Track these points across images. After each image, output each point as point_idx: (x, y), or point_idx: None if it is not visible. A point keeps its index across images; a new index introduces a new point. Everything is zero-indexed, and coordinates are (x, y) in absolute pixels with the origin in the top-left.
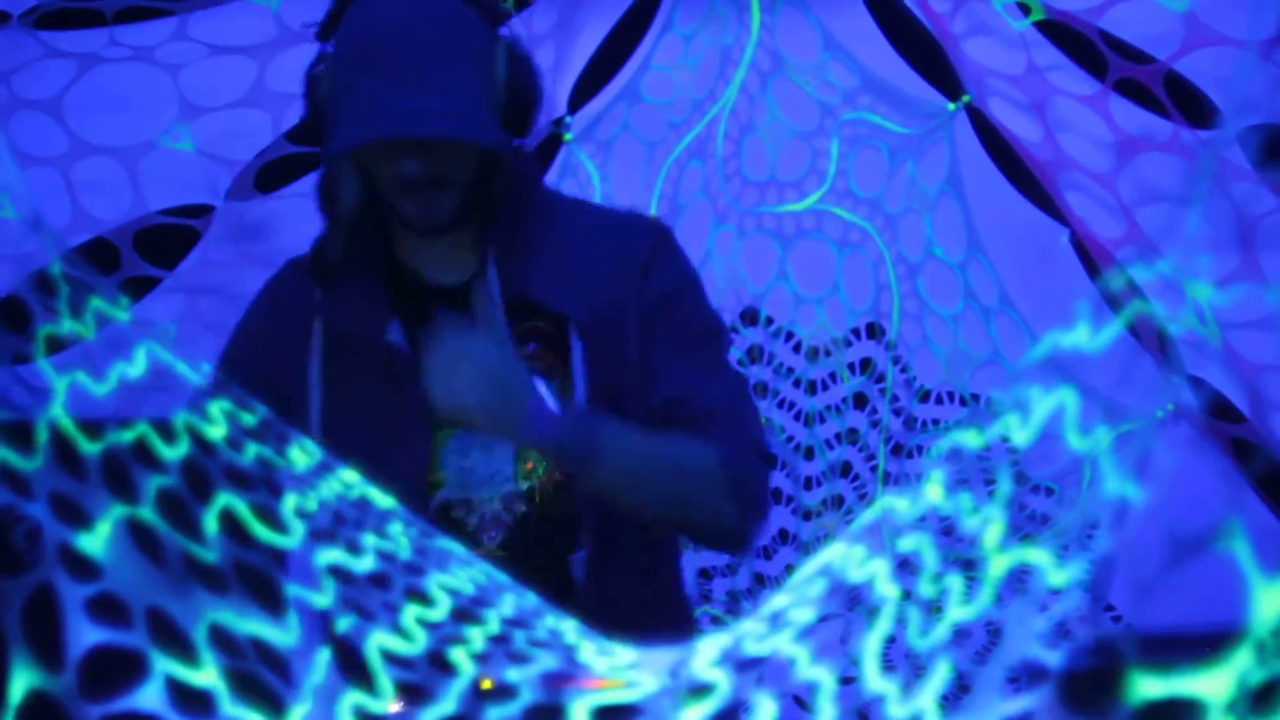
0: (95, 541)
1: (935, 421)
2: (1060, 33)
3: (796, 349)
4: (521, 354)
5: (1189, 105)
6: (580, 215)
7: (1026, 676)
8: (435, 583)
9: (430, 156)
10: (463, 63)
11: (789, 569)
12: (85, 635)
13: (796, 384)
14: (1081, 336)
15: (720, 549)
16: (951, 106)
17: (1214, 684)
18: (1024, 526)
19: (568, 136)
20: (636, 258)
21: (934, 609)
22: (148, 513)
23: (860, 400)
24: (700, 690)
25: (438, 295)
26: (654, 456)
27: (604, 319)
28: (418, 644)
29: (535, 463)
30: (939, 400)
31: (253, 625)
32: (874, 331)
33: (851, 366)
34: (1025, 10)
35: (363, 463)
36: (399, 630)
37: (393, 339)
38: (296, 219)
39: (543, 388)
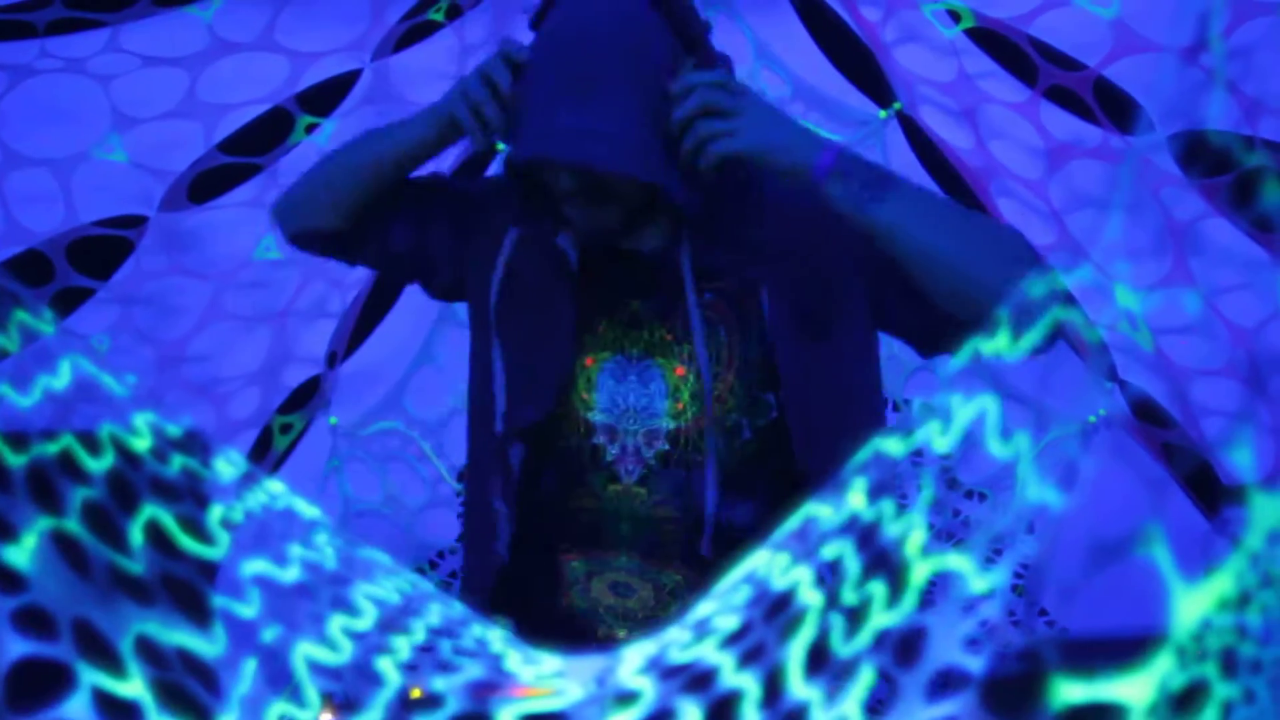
0: (21, 554)
1: None
2: (990, 40)
3: None
4: (701, 301)
5: (1119, 111)
6: (777, 201)
7: (950, 682)
8: (361, 593)
9: (584, 176)
10: (632, 82)
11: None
12: (11, 647)
13: None
14: (1002, 344)
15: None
16: (883, 114)
17: (1135, 688)
18: (957, 532)
19: (500, 147)
20: (830, 236)
21: (858, 615)
22: (73, 525)
23: None
24: (626, 698)
25: (626, 257)
26: (944, 204)
27: (798, 292)
28: (344, 654)
29: (686, 404)
30: None
31: (179, 636)
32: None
33: None
34: (956, 18)
35: (514, 351)
36: (325, 640)
37: (561, 242)
38: (231, 229)
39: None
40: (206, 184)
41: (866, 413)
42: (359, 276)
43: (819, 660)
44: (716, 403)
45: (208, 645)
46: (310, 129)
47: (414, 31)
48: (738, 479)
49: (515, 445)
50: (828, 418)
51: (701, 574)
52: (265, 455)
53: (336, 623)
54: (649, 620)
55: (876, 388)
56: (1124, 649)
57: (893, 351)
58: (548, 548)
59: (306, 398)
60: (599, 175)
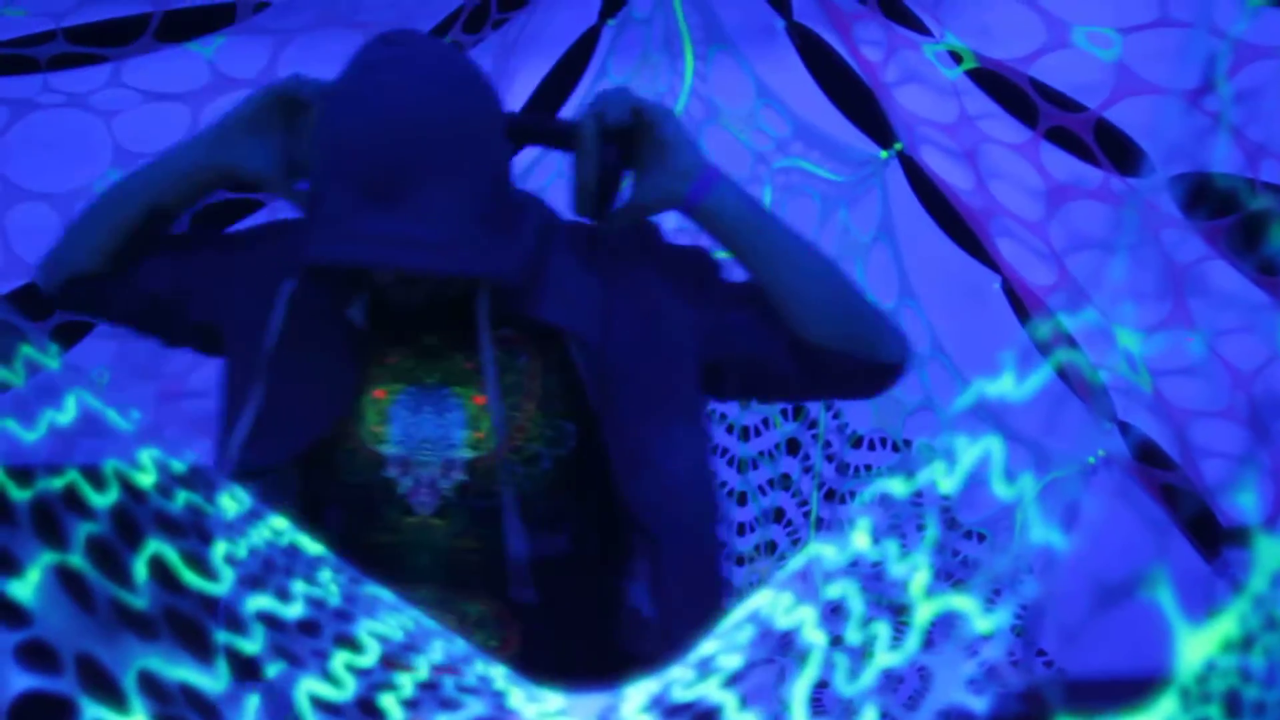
0: (25, 588)
1: (867, 467)
2: (992, 81)
3: None
4: (494, 335)
5: (1119, 153)
6: (575, 238)
7: None
8: (365, 629)
9: (401, 276)
10: (458, 174)
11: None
12: (14, 682)
13: (729, 430)
14: (1007, 385)
15: (870, 379)
16: (884, 154)
17: None
18: (956, 572)
19: None
20: (626, 258)
21: (863, 655)
22: (77, 559)
23: (793, 446)
24: None
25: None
26: (813, 246)
27: (597, 336)
28: (347, 690)
29: (486, 434)
30: (871, 446)
31: (182, 671)
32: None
33: (784, 412)
34: (957, 59)
35: (284, 403)
36: (328, 677)
37: (352, 314)
38: None
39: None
40: (208, 219)
41: (703, 468)
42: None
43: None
44: (517, 432)
45: (211, 681)
46: None
47: None
48: (540, 511)
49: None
50: (661, 469)
51: (506, 604)
52: None
53: (340, 659)
54: None
55: (705, 438)
56: (1128, 690)
57: (892, 393)
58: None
59: None
60: (407, 273)
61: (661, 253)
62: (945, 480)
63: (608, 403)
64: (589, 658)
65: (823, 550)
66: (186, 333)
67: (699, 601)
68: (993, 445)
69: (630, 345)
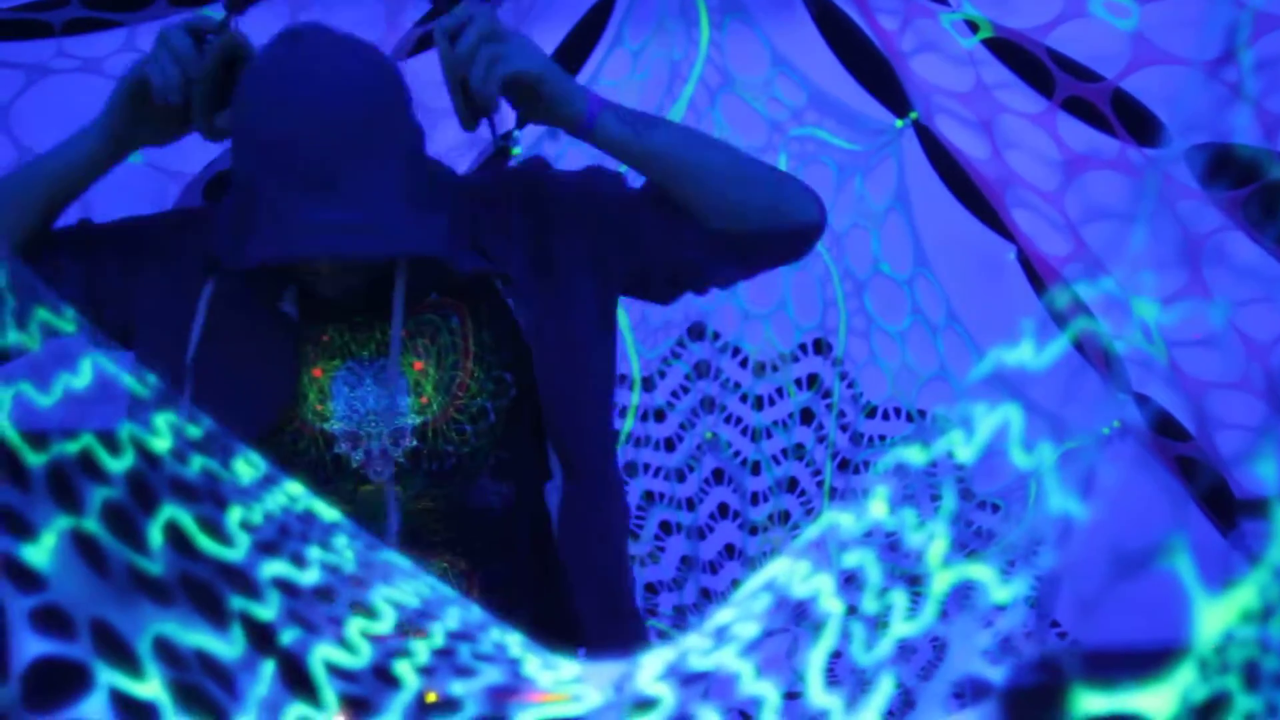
0: (40, 553)
1: (882, 437)
2: (1008, 51)
3: (743, 364)
4: (423, 304)
5: (1136, 124)
6: (467, 183)
7: (971, 692)
8: (380, 596)
9: (339, 263)
10: (387, 158)
11: (735, 584)
12: (29, 647)
13: (743, 399)
14: (1026, 354)
15: (785, 245)
16: (899, 123)
17: (1157, 700)
18: (970, 542)
19: (516, 151)
20: (517, 207)
21: (879, 624)
22: (92, 524)
23: (807, 416)
24: (645, 704)
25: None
26: (702, 139)
27: (526, 268)
28: (362, 657)
29: (430, 397)
30: (885, 416)
31: (197, 637)
32: (821, 347)
33: (798, 382)
34: (974, 28)
35: (224, 398)
36: (343, 643)
37: (285, 308)
38: None
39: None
40: (222, 184)
41: (604, 380)
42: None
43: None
44: (459, 391)
45: (226, 647)
46: None
47: (429, 37)
48: (491, 463)
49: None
50: (572, 388)
51: (465, 558)
52: None
53: (355, 625)
54: None
55: (610, 356)
56: (1145, 661)
57: (906, 362)
58: None
59: None
60: (346, 262)
61: (553, 191)
62: (962, 449)
63: (538, 342)
64: (537, 608)
65: (840, 518)
66: (107, 331)
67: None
68: (1011, 414)
69: (534, 297)
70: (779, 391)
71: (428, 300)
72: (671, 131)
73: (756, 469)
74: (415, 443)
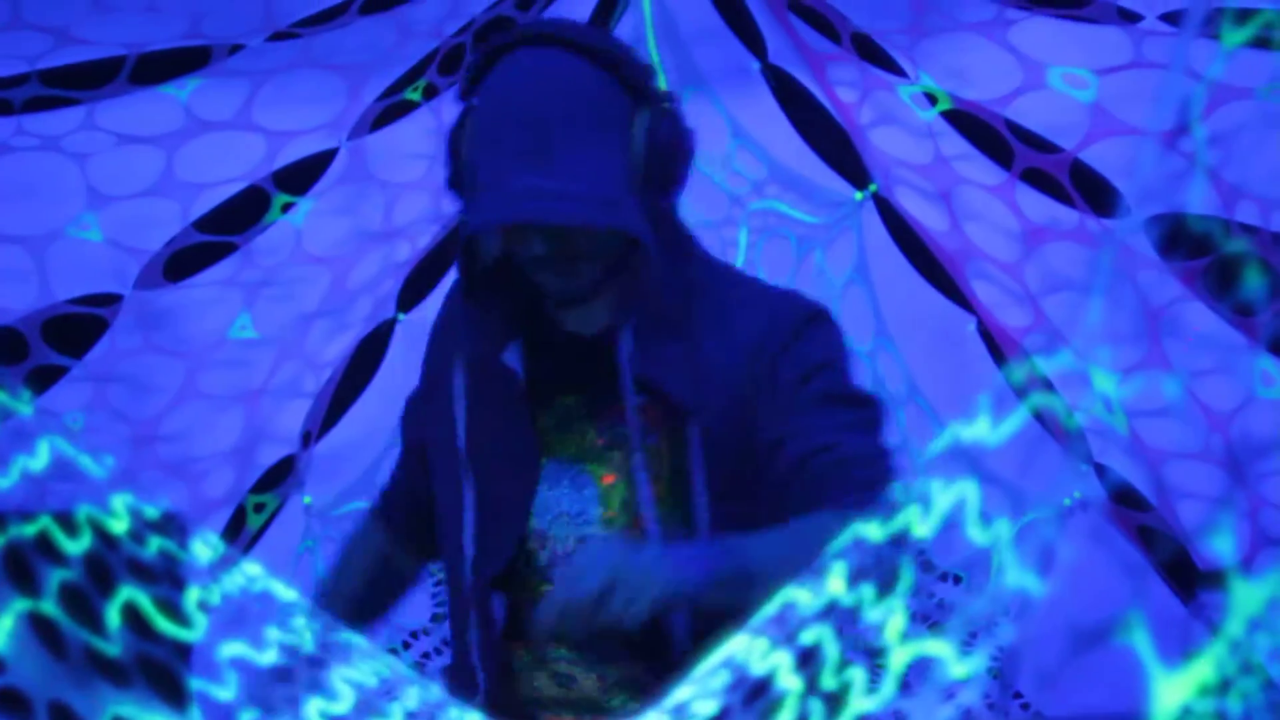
0: None
1: None
2: (967, 123)
3: None
4: (625, 408)
5: (1095, 194)
6: (729, 291)
7: None
8: (339, 676)
9: (557, 238)
10: (591, 139)
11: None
12: None
13: None
14: (983, 429)
15: None
16: (859, 196)
17: None
18: (932, 614)
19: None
20: (771, 346)
21: (838, 700)
22: (50, 606)
23: None
24: None
25: (567, 340)
26: (799, 556)
27: (725, 414)
28: None
29: (617, 513)
30: None
31: (155, 718)
32: None
33: None
34: (932, 100)
35: (483, 495)
36: None
37: (507, 360)
38: (206, 308)
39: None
40: (182, 262)
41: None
42: (333, 357)
43: None
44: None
45: None
46: (286, 208)
47: (391, 111)
48: None
49: (495, 595)
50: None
51: (643, 667)
52: (239, 534)
53: (314, 706)
54: (594, 709)
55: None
56: None
57: None
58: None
59: (280, 477)
60: (571, 237)
61: (790, 372)
62: (920, 525)
63: (712, 493)
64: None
65: (797, 595)
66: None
67: None
68: (967, 490)
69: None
70: None
71: (638, 404)
72: (765, 588)
73: None
74: None
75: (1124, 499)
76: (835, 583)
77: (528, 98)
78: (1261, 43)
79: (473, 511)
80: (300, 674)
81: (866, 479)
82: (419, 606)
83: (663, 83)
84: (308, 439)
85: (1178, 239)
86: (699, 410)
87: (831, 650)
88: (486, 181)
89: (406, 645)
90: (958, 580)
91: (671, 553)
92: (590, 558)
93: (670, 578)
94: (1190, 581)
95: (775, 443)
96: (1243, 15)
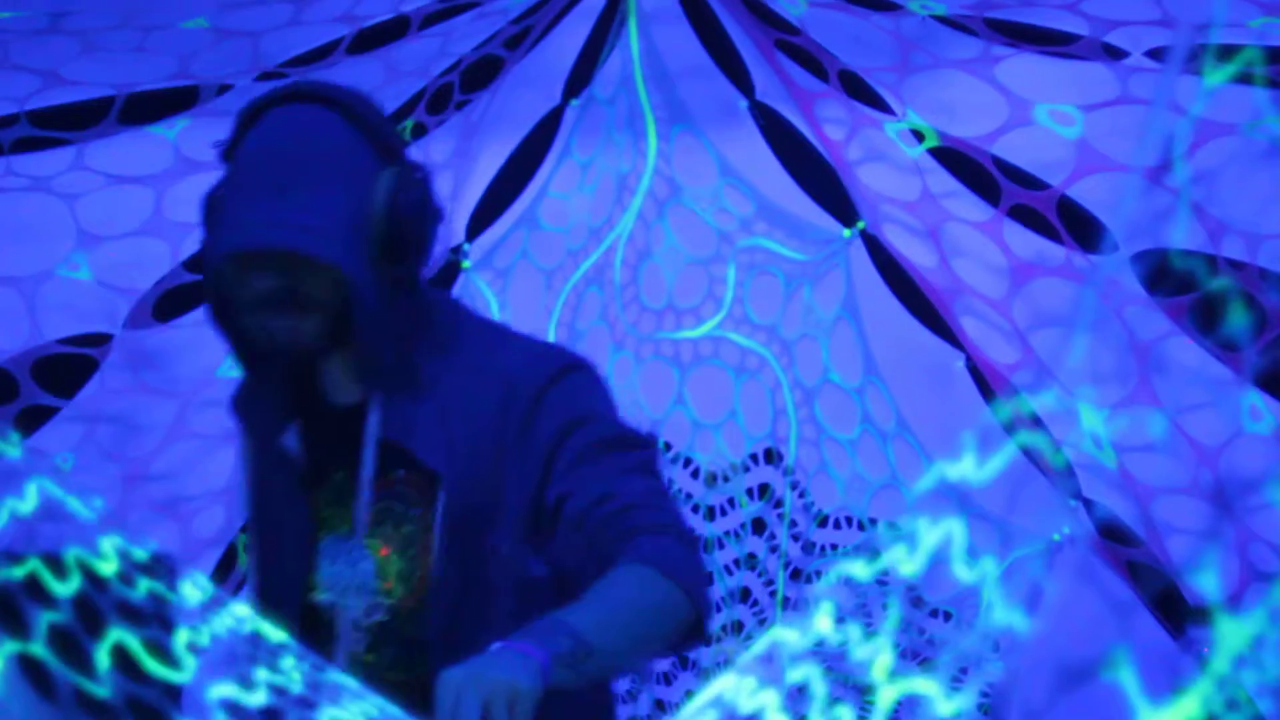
0: None
1: (834, 546)
2: (954, 159)
3: (695, 475)
4: (391, 478)
5: (1082, 230)
6: (485, 351)
7: None
8: (327, 717)
9: (286, 274)
10: (329, 183)
11: (688, 694)
12: None
13: (695, 510)
14: (968, 467)
15: (687, 650)
16: (847, 233)
17: None
18: (922, 650)
19: (465, 264)
20: (519, 406)
21: None
22: (39, 648)
23: (759, 526)
24: None
25: (332, 413)
26: (622, 619)
27: (475, 476)
28: None
29: (394, 582)
30: (837, 525)
31: None
32: (771, 457)
33: (750, 492)
34: (919, 137)
35: (264, 565)
36: None
37: (286, 444)
38: (195, 348)
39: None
40: (172, 302)
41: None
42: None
43: None
44: (419, 584)
45: None
46: None
47: None
48: (460, 643)
49: None
50: (469, 614)
51: None
52: (230, 574)
53: None
54: None
55: (523, 579)
56: None
57: (857, 471)
58: None
59: None
60: (298, 272)
61: (546, 421)
62: (907, 563)
63: (447, 551)
64: None
65: (785, 634)
66: None
67: None
68: (954, 528)
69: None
70: (730, 502)
71: (393, 477)
72: (603, 656)
73: (709, 579)
74: (385, 617)
75: (1113, 534)
76: (822, 621)
77: (274, 142)
78: (1245, 78)
79: (256, 581)
80: (289, 715)
81: (654, 522)
82: None
83: (650, 123)
84: None
85: (1164, 274)
86: (448, 474)
87: (820, 688)
88: (225, 217)
89: None
90: (948, 616)
91: (507, 651)
92: (450, 690)
93: (527, 673)
94: (1180, 617)
95: (556, 503)
96: (1226, 51)
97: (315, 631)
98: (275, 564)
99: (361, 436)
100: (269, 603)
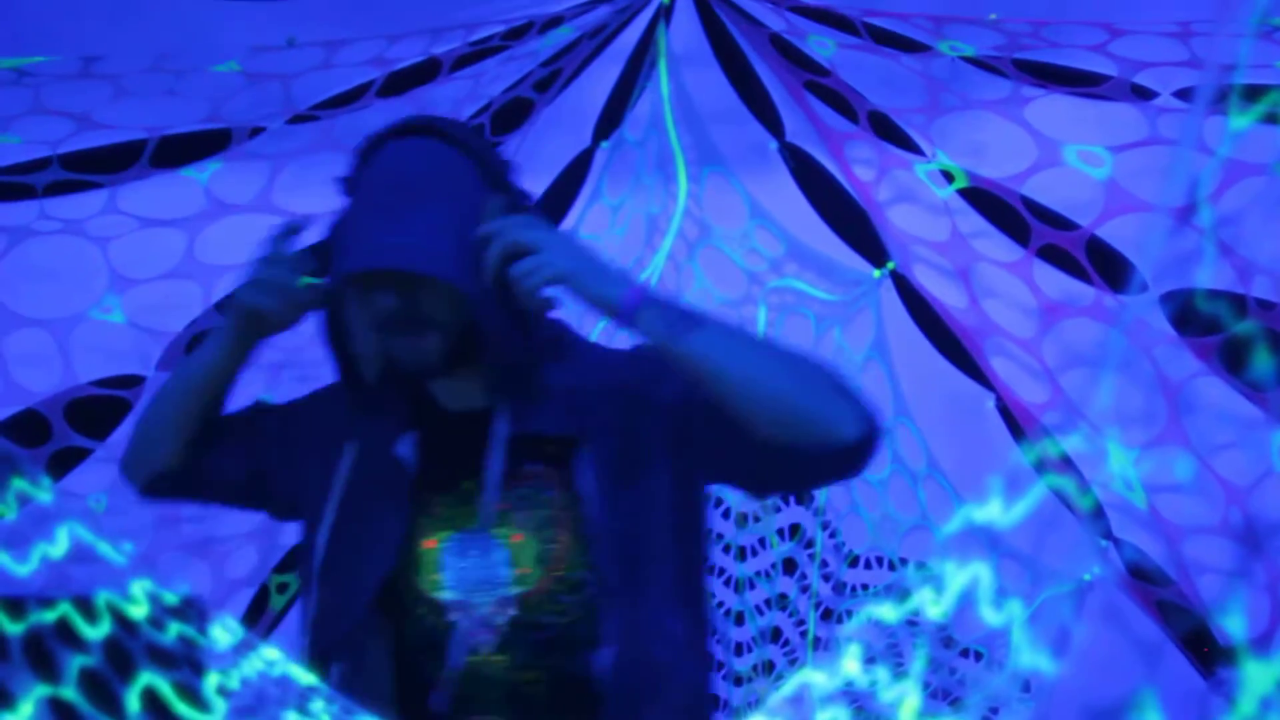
0: None
1: (864, 586)
2: (984, 200)
3: (726, 515)
4: (522, 473)
5: (1111, 270)
6: (591, 352)
7: None
8: None
9: (405, 294)
10: (444, 207)
11: None
12: None
13: (726, 550)
14: (995, 511)
15: (837, 463)
16: (876, 273)
17: None
18: (953, 690)
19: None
20: (641, 381)
21: None
22: (70, 692)
23: (789, 566)
24: None
25: (455, 421)
26: (757, 337)
27: (614, 442)
28: None
29: (530, 568)
30: (867, 565)
31: None
32: (802, 497)
33: (780, 532)
34: (949, 178)
35: (346, 565)
36: None
37: (400, 453)
38: None
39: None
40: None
41: (677, 560)
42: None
43: None
44: (556, 563)
45: None
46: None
47: None
48: (586, 633)
49: (332, 667)
50: (635, 569)
51: None
52: (261, 614)
53: None
54: None
55: (692, 533)
56: None
57: (888, 512)
58: (427, 714)
59: None
60: (415, 296)
61: (657, 385)
62: (934, 606)
63: (606, 506)
64: None
65: (814, 676)
66: (278, 507)
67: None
68: (980, 571)
69: (620, 455)
70: (761, 542)
71: (524, 472)
72: (713, 336)
73: (740, 619)
74: (516, 612)
75: (1143, 574)
76: (850, 664)
77: (390, 172)
78: (1272, 119)
79: (318, 586)
80: None
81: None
82: None
83: (680, 164)
84: None
85: (1192, 314)
86: (583, 432)
87: None
88: (346, 244)
89: None
90: (979, 656)
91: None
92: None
93: (579, 262)
94: (1211, 657)
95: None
96: (1252, 92)
97: (431, 635)
98: (352, 571)
99: (486, 437)
100: (331, 605)
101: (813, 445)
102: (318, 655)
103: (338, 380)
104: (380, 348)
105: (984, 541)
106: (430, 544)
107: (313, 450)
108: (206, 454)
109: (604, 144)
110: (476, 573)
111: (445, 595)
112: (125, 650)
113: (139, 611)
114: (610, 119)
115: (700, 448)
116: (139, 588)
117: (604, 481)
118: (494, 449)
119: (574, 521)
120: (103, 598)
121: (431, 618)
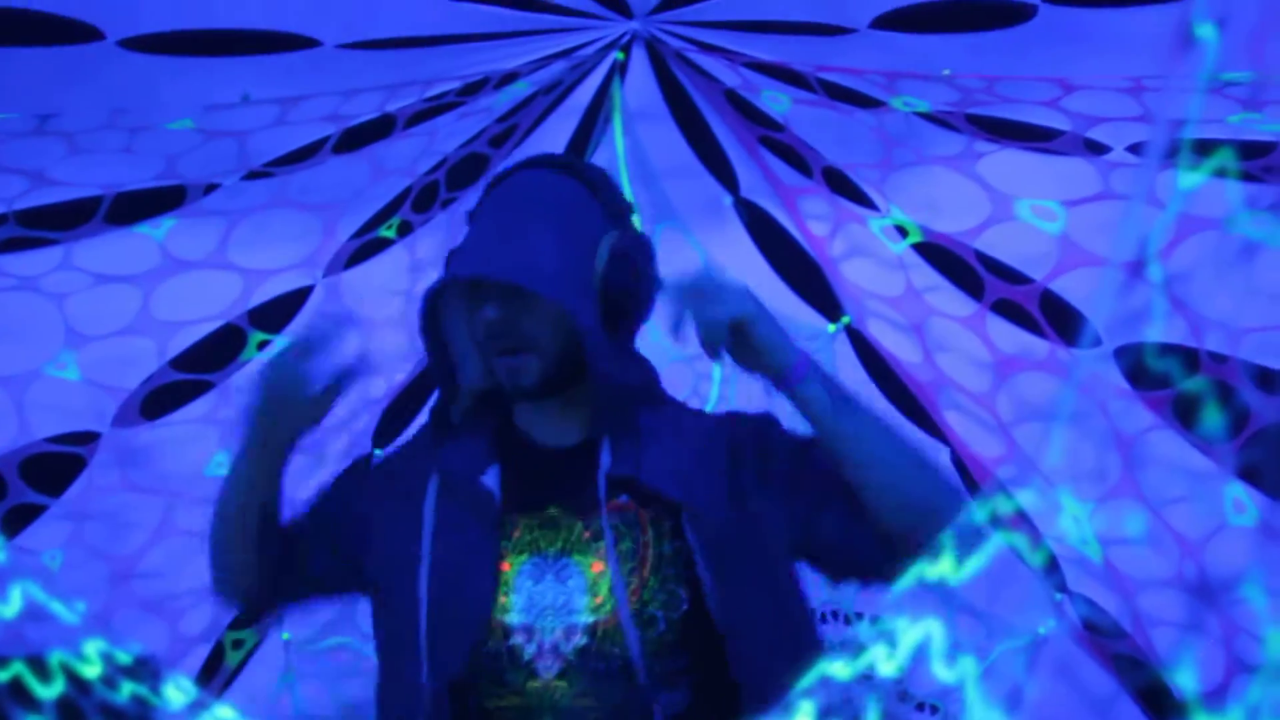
0: None
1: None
2: (937, 254)
3: None
4: (611, 504)
5: (1065, 324)
6: (682, 404)
7: None
8: None
9: (509, 309)
10: (559, 233)
11: None
12: None
13: None
14: (947, 567)
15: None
16: (831, 328)
17: None
18: None
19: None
20: (748, 441)
21: None
22: None
23: None
24: None
25: (541, 454)
26: (891, 424)
27: (715, 500)
28: None
29: (605, 598)
30: (824, 619)
31: None
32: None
33: None
34: (903, 233)
35: (439, 596)
36: None
37: (485, 482)
38: (183, 445)
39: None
40: (159, 400)
41: (803, 632)
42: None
43: None
44: (633, 596)
45: None
46: (262, 346)
47: (366, 248)
48: (658, 670)
49: (445, 699)
50: (763, 636)
51: None
52: (217, 671)
53: None
54: None
55: (803, 604)
56: None
57: None
58: None
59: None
60: (519, 314)
61: (772, 447)
62: (887, 663)
63: (716, 575)
64: None
65: None
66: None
67: None
68: (933, 628)
69: (732, 526)
70: None
71: (616, 501)
72: (867, 421)
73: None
74: (585, 640)
75: (1098, 628)
76: None
77: (509, 198)
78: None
79: (426, 619)
80: None
81: None
82: None
83: (637, 220)
84: None
85: (1145, 368)
86: (688, 501)
87: None
88: (456, 257)
89: None
90: (934, 710)
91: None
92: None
93: (761, 311)
94: (1166, 708)
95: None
96: (1202, 147)
97: (493, 660)
98: (452, 603)
99: (573, 470)
100: (443, 639)
101: (925, 538)
102: (437, 690)
103: (406, 439)
104: (479, 362)
105: (938, 596)
106: (505, 566)
107: (390, 509)
108: (293, 560)
109: None
110: (548, 598)
111: (512, 619)
112: (78, 709)
113: (92, 671)
114: None
115: (807, 526)
116: (92, 647)
117: (709, 547)
118: (599, 479)
119: (657, 560)
120: (56, 657)
121: (493, 641)
